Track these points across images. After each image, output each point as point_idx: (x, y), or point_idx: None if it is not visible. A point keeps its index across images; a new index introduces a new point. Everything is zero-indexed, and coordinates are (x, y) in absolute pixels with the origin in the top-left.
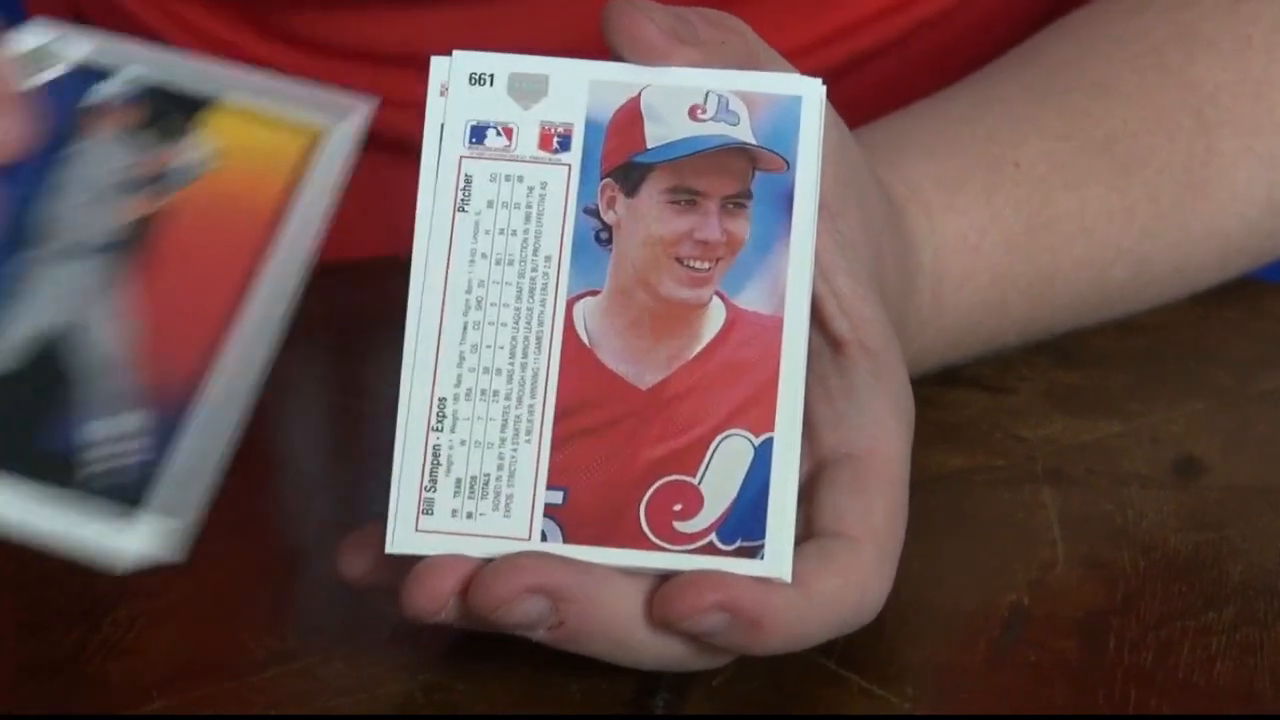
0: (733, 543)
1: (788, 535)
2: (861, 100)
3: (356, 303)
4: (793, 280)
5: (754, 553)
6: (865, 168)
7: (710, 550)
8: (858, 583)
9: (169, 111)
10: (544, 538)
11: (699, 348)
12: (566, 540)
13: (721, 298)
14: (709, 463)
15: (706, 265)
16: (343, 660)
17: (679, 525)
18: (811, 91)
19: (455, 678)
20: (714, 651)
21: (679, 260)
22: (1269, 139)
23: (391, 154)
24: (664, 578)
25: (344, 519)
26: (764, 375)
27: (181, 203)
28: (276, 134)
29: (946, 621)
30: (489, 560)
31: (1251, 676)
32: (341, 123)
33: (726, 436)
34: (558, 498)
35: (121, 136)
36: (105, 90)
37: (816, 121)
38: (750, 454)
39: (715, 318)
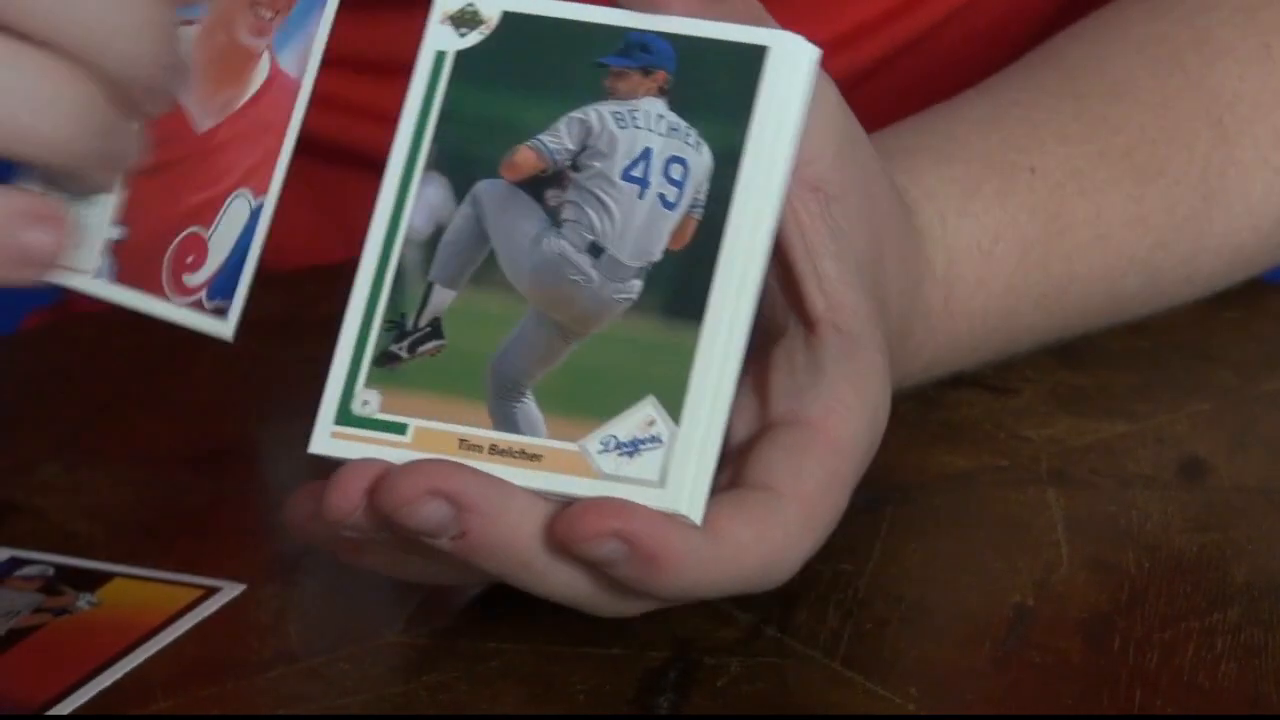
0: (213, 301)
1: (705, 479)
2: (881, 104)
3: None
4: (316, 45)
5: (222, 314)
6: (876, 164)
7: (198, 307)
8: (772, 539)
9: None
10: (101, 274)
11: (243, 99)
12: (115, 279)
13: (270, 54)
14: (220, 219)
15: (269, 15)
16: (347, 661)
17: (186, 278)
18: None
19: (459, 678)
20: (623, 593)
21: (255, 5)
22: None
23: (348, 165)
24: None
25: None
26: (275, 137)
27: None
28: (164, 590)
29: (950, 622)
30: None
31: (1256, 678)
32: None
33: (236, 195)
34: (118, 233)
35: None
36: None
37: None
38: (246, 215)
39: (260, 72)
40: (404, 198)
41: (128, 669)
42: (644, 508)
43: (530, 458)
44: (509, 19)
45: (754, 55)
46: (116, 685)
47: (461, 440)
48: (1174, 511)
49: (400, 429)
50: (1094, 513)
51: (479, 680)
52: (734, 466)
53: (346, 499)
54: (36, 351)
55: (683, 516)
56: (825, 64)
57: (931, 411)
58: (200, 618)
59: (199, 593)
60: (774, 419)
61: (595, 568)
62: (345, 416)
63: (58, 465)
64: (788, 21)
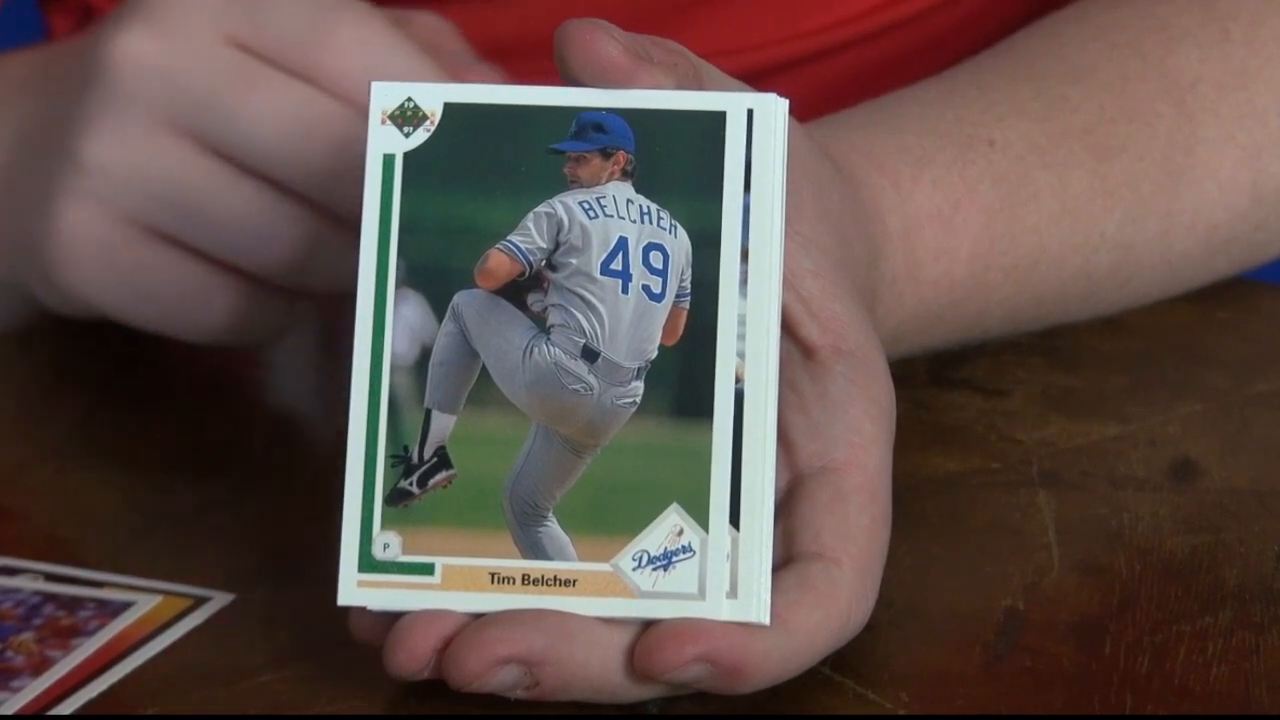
0: None
1: (765, 579)
2: (825, 95)
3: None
4: None
5: None
6: (810, 150)
7: None
8: (839, 610)
9: None
10: None
11: None
12: None
13: None
14: None
15: None
16: (336, 666)
17: None
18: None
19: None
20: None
21: None
22: (1253, 129)
23: None
24: (640, 626)
25: (337, 524)
26: None
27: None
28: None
29: (941, 626)
30: (473, 616)
31: (1248, 681)
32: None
33: None
34: None
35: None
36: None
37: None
38: None
39: None
40: (382, 319)
41: (118, 677)
42: (717, 624)
43: (565, 584)
44: (451, 111)
45: (718, 123)
46: (106, 694)
47: (493, 574)
48: (1165, 514)
49: (427, 569)
50: (1085, 515)
51: None
52: (780, 530)
53: (414, 660)
54: (25, 356)
55: (755, 622)
56: (820, 44)
57: (923, 414)
58: (189, 627)
59: (188, 603)
60: (802, 468)
61: (678, 686)
62: (368, 563)
63: (46, 470)
64: (783, 10)
